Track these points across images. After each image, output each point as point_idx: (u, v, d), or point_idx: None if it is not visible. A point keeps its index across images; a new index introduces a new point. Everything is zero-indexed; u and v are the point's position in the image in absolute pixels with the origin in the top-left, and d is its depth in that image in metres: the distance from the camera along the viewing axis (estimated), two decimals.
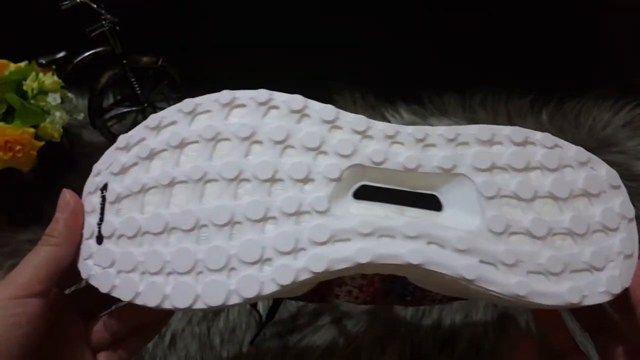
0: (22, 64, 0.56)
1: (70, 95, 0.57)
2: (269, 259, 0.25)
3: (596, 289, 0.25)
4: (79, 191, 0.29)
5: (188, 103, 0.28)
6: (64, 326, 0.28)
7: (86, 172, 0.27)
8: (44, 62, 0.57)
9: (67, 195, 0.28)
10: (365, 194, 0.27)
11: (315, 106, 0.28)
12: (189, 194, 0.26)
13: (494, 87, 0.70)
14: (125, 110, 0.66)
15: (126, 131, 0.29)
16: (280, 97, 0.28)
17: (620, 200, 0.27)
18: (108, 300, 0.27)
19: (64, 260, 0.26)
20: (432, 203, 0.27)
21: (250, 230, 0.25)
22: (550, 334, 0.30)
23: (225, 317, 0.45)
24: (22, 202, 0.56)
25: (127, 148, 0.28)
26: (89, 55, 0.61)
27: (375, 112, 0.71)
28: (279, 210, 0.26)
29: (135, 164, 0.27)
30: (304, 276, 0.24)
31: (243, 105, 0.28)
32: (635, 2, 0.67)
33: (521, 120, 0.67)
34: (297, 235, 0.25)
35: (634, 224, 0.27)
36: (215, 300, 0.24)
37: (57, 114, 0.53)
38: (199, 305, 0.25)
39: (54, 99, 0.53)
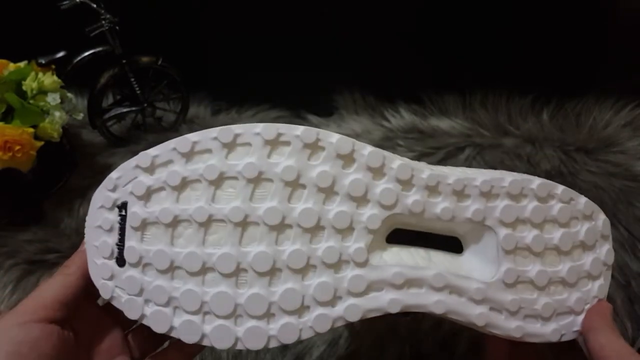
0: (22, 64, 0.56)
1: (69, 95, 0.57)
2: (307, 307, 0.26)
3: (572, 329, 0.28)
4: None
5: (226, 132, 0.26)
6: (98, 337, 0.27)
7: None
8: (43, 62, 0.57)
9: None
10: (395, 235, 0.28)
11: (363, 150, 0.27)
12: (228, 235, 0.25)
13: (494, 87, 0.70)
14: (125, 110, 0.66)
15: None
16: (328, 138, 0.26)
17: (606, 248, 0.30)
18: None
19: (74, 289, 0.26)
20: (453, 243, 0.29)
21: (290, 278, 0.26)
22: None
23: None
24: (21, 202, 0.56)
25: (151, 169, 0.26)
26: (88, 55, 0.61)
27: (375, 112, 0.71)
28: (320, 260, 0.26)
29: (161, 189, 0.26)
30: (339, 324, 0.26)
31: (287, 144, 0.26)
32: (636, 3, 0.67)
33: (522, 120, 0.67)
34: (336, 285, 0.26)
35: (610, 271, 0.30)
36: (256, 345, 0.25)
37: (57, 114, 0.53)
38: (240, 347, 0.25)
39: (53, 98, 0.53)
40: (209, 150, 0.26)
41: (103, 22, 0.59)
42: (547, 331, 0.28)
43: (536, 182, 0.29)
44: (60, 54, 0.59)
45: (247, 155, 0.26)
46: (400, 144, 0.65)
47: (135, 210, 0.26)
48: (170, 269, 0.26)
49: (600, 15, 0.68)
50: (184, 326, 0.25)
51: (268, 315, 0.25)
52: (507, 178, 0.28)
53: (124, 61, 0.63)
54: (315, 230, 0.26)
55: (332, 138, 0.26)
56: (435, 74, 0.70)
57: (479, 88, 0.70)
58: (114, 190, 0.26)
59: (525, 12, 0.67)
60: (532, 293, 0.28)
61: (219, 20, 0.70)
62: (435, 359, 0.42)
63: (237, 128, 0.26)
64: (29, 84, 0.53)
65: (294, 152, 0.26)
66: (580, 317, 0.29)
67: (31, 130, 0.51)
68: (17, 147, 0.49)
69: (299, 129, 0.26)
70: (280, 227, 0.26)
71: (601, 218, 0.30)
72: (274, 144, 0.26)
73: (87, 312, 0.27)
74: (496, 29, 0.67)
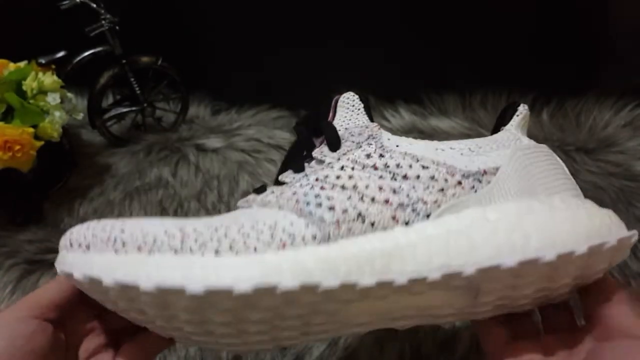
0: (22, 64, 0.56)
1: (69, 95, 0.57)
2: None
3: None
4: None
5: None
6: (85, 340, 0.29)
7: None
8: (43, 61, 0.57)
9: None
10: None
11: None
12: None
13: (494, 87, 0.70)
14: (124, 110, 0.66)
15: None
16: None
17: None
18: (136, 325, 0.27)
19: (69, 294, 0.27)
20: None
21: None
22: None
23: None
24: (21, 202, 0.56)
25: None
26: (88, 55, 0.61)
27: (375, 112, 0.71)
28: None
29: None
30: None
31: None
32: (637, 3, 0.67)
33: None
34: None
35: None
36: None
37: (57, 113, 0.53)
38: None
39: (53, 98, 0.53)
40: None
41: (103, 22, 0.59)
42: None
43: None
44: (60, 54, 0.59)
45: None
46: None
47: None
48: None
49: (601, 15, 0.68)
50: None
51: None
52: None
53: (124, 61, 0.63)
54: None
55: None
56: (435, 74, 0.70)
57: (479, 88, 0.70)
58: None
59: (525, 11, 0.67)
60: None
61: (219, 21, 0.70)
62: (435, 359, 0.42)
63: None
64: (29, 84, 0.53)
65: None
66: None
67: (31, 130, 0.51)
68: (17, 147, 0.49)
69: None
70: None
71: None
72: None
73: (79, 316, 0.29)
74: (496, 29, 0.67)
